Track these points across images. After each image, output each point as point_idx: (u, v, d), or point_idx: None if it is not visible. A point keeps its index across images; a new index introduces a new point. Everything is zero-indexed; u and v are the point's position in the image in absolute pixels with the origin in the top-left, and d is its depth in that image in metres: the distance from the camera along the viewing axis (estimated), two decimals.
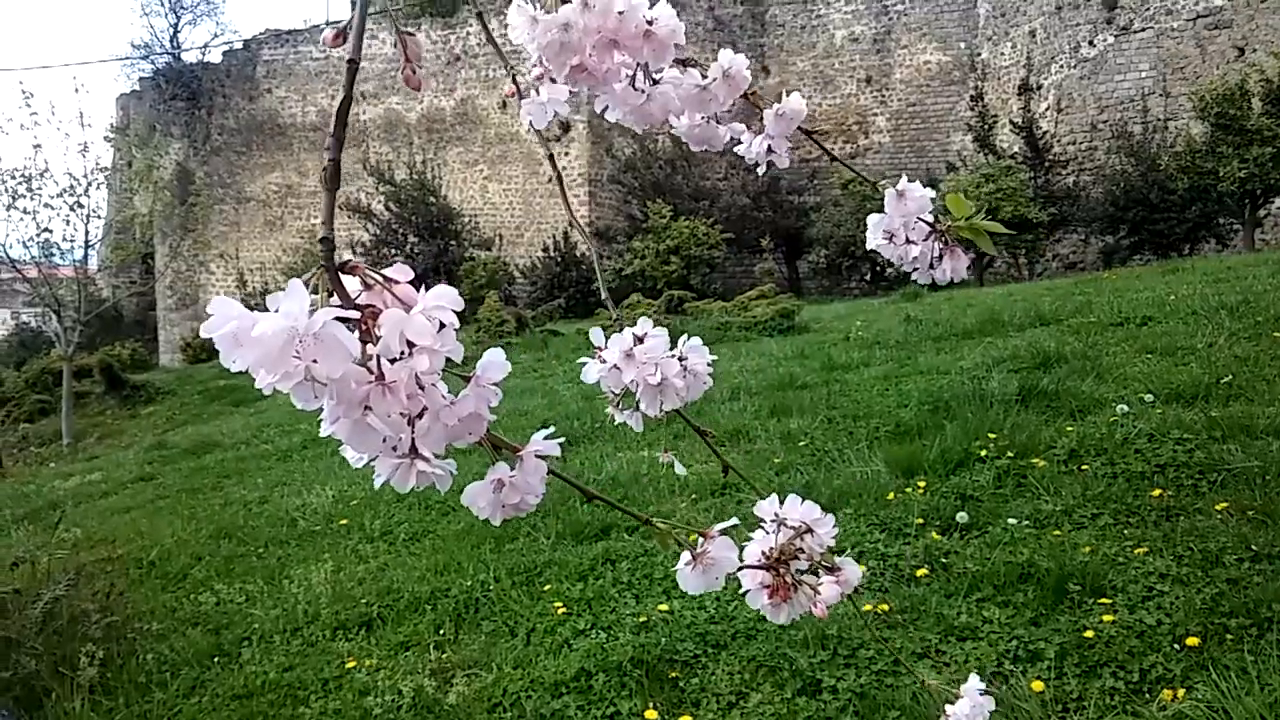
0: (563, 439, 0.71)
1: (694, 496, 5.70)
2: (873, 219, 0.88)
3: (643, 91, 0.83)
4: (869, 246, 0.91)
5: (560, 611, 4.34)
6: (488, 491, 0.68)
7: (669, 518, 4.05)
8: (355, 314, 0.54)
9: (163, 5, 33.12)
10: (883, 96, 27.01)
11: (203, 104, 30.27)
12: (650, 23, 0.79)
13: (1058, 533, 4.17)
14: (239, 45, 30.65)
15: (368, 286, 0.58)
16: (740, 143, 0.94)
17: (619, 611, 4.31)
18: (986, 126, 22.76)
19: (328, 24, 29.28)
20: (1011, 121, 22.53)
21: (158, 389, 18.63)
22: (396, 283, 0.58)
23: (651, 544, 4.97)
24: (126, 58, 33.07)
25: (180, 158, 29.15)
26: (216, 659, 4.56)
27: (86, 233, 17.48)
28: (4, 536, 8.08)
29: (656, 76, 0.83)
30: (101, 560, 6.25)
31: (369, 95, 27.99)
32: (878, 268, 22.58)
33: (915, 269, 0.90)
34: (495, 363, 0.63)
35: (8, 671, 4.22)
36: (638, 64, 0.82)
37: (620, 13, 0.78)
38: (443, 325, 0.56)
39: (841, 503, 4.94)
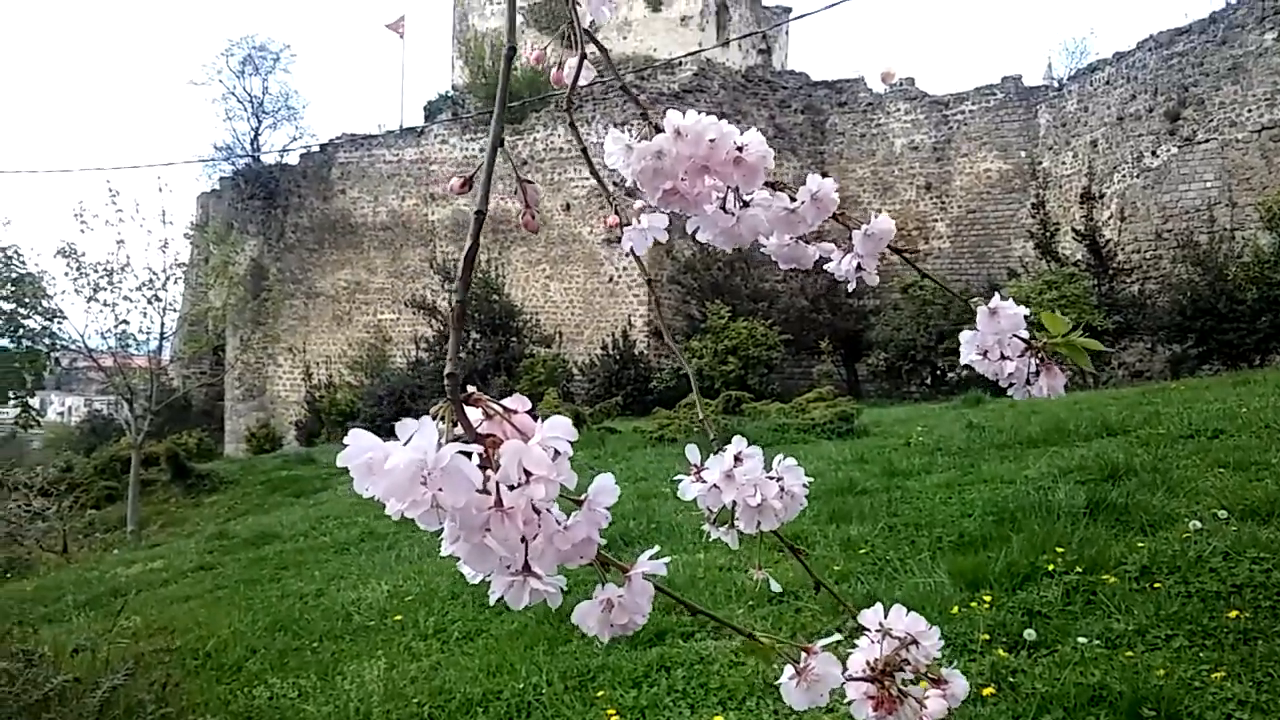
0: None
1: (750, 603, 5.60)
2: (965, 335, 0.89)
3: (733, 214, 0.86)
4: (962, 362, 0.92)
5: (614, 719, 4.26)
6: (597, 611, 0.70)
7: (725, 626, 3.96)
8: (478, 448, 0.57)
9: (245, 110, 34.60)
10: (943, 203, 27.17)
11: (279, 203, 31.42)
12: (740, 149, 0.82)
13: (1130, 654, 4.02)
14: (316, 148, 31.91)
15: (488, 416, 0.61)
16: (828, 260, 0.97)
17: None
18: (1048, 234, 22.71)
19: (401, 129, 30.46)
20: (1074, 229, 22.47)
21: (221, 478, 18.94)
22: (515, 413, 0.61)
23: (707, 651, 4.89)
24: (209, 159, 34.51)
25: (255, 254, 30.17)
26: None
27: (162, 325, 18.10)
28: (66, 622, 8.19)
29: (746, 199, 0.86)
30: (159, 650, 6.30)
31: (438, 197, 28.84)
32: (938, 372, 22.38)
33: (1010, 385, 0.90)
34: (606, 488, 0.65)
35: None
36: (728, 187, 0.85)
37: (712, 141, 0.81)
38: (557, 454, 0.59)
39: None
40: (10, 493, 18.07)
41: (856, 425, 13.19)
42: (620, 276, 26.01)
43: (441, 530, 0.59)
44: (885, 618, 0.89)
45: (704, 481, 0.91)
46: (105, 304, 17.46)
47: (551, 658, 5.19)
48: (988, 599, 4.85)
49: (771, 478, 0.91)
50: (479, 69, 30.46)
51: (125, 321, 17.69)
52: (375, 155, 30.07)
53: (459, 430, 0.60)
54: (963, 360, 0.91)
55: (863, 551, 6.17)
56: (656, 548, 0.78)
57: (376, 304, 29.76)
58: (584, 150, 0.92)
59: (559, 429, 0.60)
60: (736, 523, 0.91)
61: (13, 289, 30.33)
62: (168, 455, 19.28)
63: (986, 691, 3.90)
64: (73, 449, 30.61)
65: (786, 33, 32.83)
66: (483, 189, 0.71)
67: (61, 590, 10.12)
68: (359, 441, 0.56)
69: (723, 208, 0.86)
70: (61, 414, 51.65)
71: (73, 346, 22.07)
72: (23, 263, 28.71)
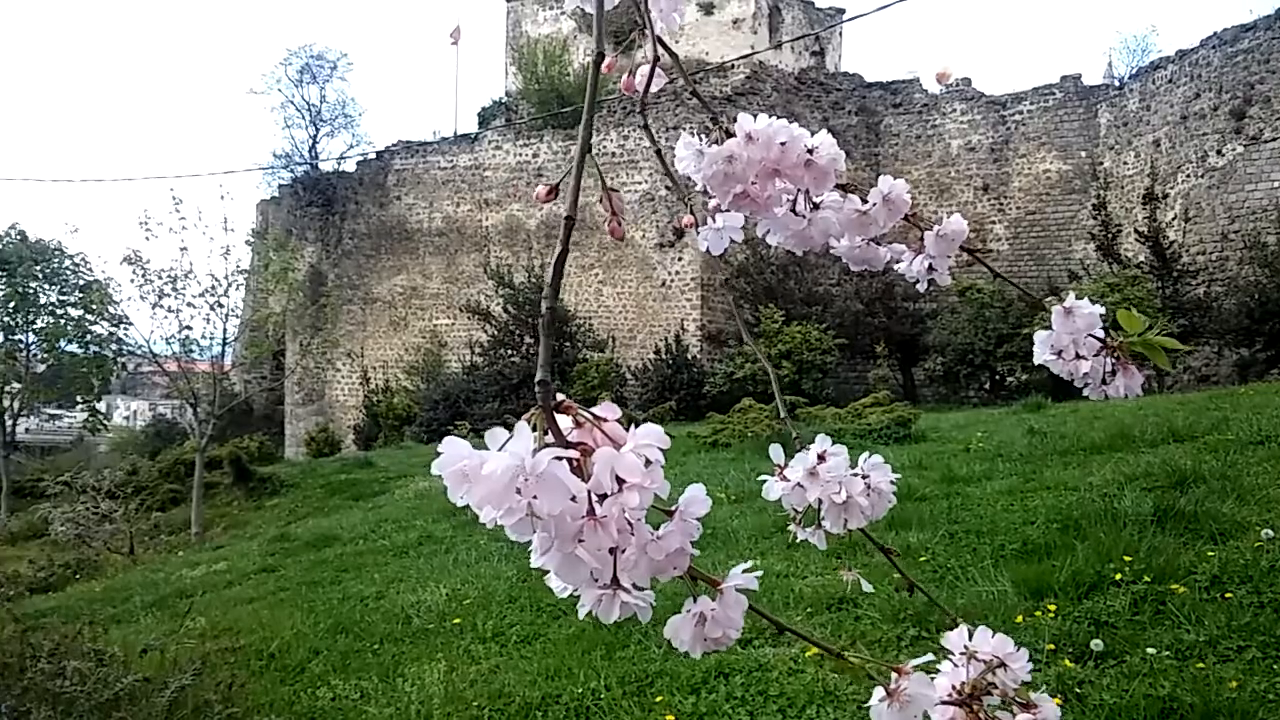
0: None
1: (809, 610, 5.57)
2: (1040, 335, 0.88)
3: (804, 217, 0.86)
4: (1036, 361, 0.90)
5: None
6: (690, 625, 0.69)
7: (783, 633, 3.95)
8: (575, 453, 0.57)
9: (304, 118, 35.19)
10: (1000, 204, 26.78)
11: (336, 210, 31.90)
12: (811, 152, 0.82)
13: (1201, 665, 3.92)
14: (373, 156, 32.36)
15: (579, 424, 0.61)
16: (899, 261, 0.96)
17: None
18: (1110, 235, 22.27)
19: (456, 136, 30.76)
20: (1136, 231, 22.01)
21: (282, 481, 19.25)
22: (606, 420, 0.60)
23: (766, 658, 4.86)
24: (268, 167, 35.14)
25: (313, 260, 30.67)
26: None
27: (225, 331, 18.42)
28: (134, 622, 8.39)
29: (817, 201, 0.86)
30: (225, 650, 6.43)
31: (492, 202, 29.09)
32: (997, 376, 22.05)
33: (1086, 385, 0.89)
34: (697, 498, 0.65)
35: None
36: (799, 190, 0.85)
37: (783, 144, 0.81)
38: (649, 462, 0.58)
39: (966, 624, 4.76)
40: (79, 495, 18.54)
41: (914, 431, 13.04)
42: (672, 281, 26.01)
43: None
44: (971, 639, 0.88)
45: (788, 480, 0.91)
46: (169, 310, 17.82)
47: (609, 662, 5.20)
48: (1052, 608, 4.76)
49: (857, 474, 0.91)
50: (532, 75, 30.65)
51: (189, 327, 18.06)
52: (430, 162, 30.42)
53: (549, 438, 0.60)
54: (1036, 360, 0.90)
55: (923, 559, 6.10)
56: (750, 561, 0.78)
57: (432, 309, 30.09)
58: (658, 153, 0.92)
59: (651, 437, 0.59)
60: (823, 522, 0.90)
61: (80, 295, 31.25)
62: (230, 459, 19.64)
63: (1054, 702, 3.83)
64: (138, 452, 31.32)
65: (840, 34, 32.61)
66: (571, 195, 0.72)
67: (129, 591, 10.37)
68: (452, 449, 0.56)
69: (793, 210, 0.86)
70: (127, 418, 52.86)
71: (138, 352, 22.57)
72: (90, 270, 29.63)
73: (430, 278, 30.23)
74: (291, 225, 31.26)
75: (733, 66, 27.23)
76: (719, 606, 0.69)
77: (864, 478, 0.90)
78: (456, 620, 6.50)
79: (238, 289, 19.74)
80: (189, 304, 17.89)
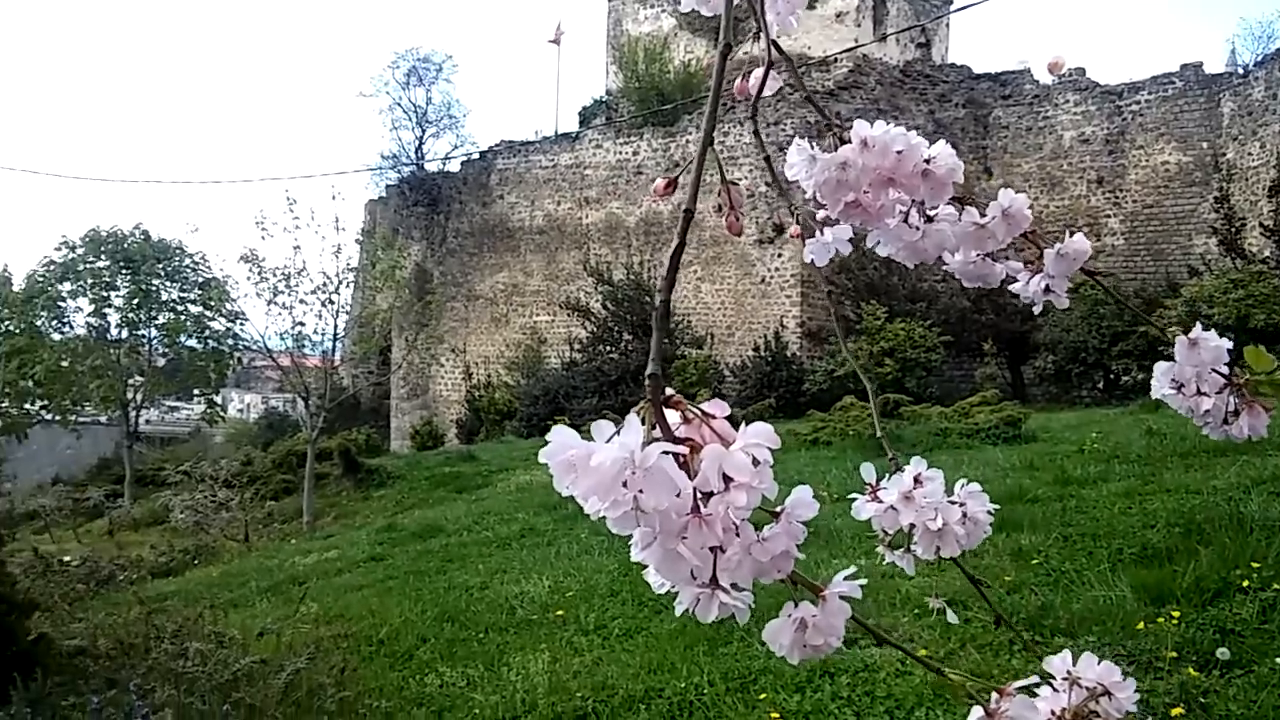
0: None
1: (916, 611, 5.46)
2: (1160, 367, 0.83)
3: (918, 229, 0.83)
4: (1153, 395, 0.85)
5: None
6: (789, 630, 0.68)
7: (890, 633, 3.89)
8: (684, 449, 0.56)
9: (410, 120, 35.97)
10: (1116, 198, 25.82)
11: (441, 209, 32.56)
12: (929, 161, 0.79)
13: None
14: (476, 155, 32.90)
15: (687, 420, 0.60)
16: (1015, 280, 0.93)
17: None
18: (1233, 229, 21.27)
19: (557, 135, 31.09)
20: (1261, 224, 20.97)
21: (389, 473, 19.73)
22: (714, 418, 0.59)
23: (872, 658, 4.78)
24: (376, 168, 35.99)
25: (419, 258, 31.35)
26: None
27: (335, 327, 18.96)
28: (250, 607, 8.70)
29: (931, 213, 0.83)
30: (336, 636, 6.62)
31: (591, 200, 29.30)
32: (1111, 375, 21.29)
33: (1206, 424, 0.83)
34: (805, 500, 0.64)
35: None
36: (913, 201, 0.82)
37: (899, 152, 0.79)
38: (757, 462, 0.57)
39: (1083, 629, 4.60)
40: (197, 484, 19.33)
41: (1024, 430, 12.68)
42: (772, 277, 25.80)
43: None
44: (1074, 665, 0.84)
45: (880, 502, 0.88)
46: (283, 306, 18.43)
47: (712, 658, 5.19)
48: (1175, 614, 4.57)
49: (953, 501, 0.87)
50: (632, 73, 30.75)
51: (301, 323, 18.65)
52: (532, 161, 30.79)
53: (657, 432, 0.59)
54: (1155, 394, 0.85)
55: (1035, 562, 5.93)
56: (853, 568, 0.76)
57: (532, 306, 30.46)
58: (767, 159, 0.90)
59: (761, 436, 0.58)
60: (914, 547, 0.88)
61: (200, 293, 32.58)
62: (340, 450, 20.21)
63: (1175, 712, 3.68)
64: (251, 444, 32.47)
65: (947, 25, 31.86)
66: (692, 188, 0.71)
67: (245, 577, 10.76)
68: (561, 439, 0.56)
69: (906, 222, 0.84)
70: (241, 410, 54.85)
71: (253, 346, 23.40)
72: (209, 268, 30.86)
73: (531, 275, 30.61)
74: (398, 224, 32.00)
75: (835, 60, 26.86)
76: (820, 614, 0.68)
77: (960, 505, 0.86)
78: (559, 612, 6.57)
79: (347, 286, 20.30)
80: (301, 301, 18.48)
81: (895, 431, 13.39)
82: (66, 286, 32.38)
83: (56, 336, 32.58)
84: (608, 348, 26.30)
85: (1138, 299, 18.70)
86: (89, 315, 32.64)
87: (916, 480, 0.86)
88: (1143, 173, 25.50)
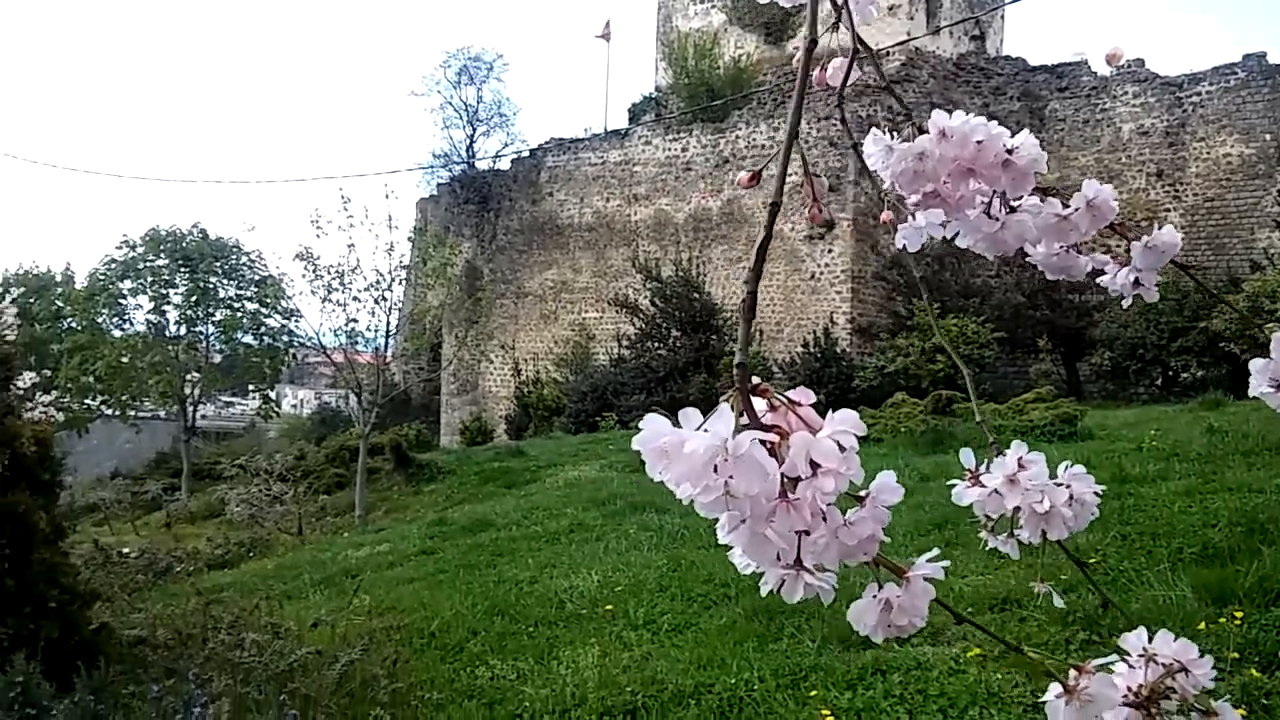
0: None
1: (970, 610, 5.38)
2: (1257, 364, 0.81)
3: (998, 219, 0.82)
4: (1252, 393, 0.83)
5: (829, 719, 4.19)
6: (875, 610, 0.68)
7: (942, 632, 3.83)
8: (774, 436, 0.57)
9: (461, 118, 36.24)
10: (1176, 191, 25.26)
11: (491, 207, 32.78)
12: (1010, 151, 0.78)
13: None
14: (526, 153, 33.07)
15: (773, 408, 0.60)
16: (1102, 273, 0.90)
17: None
18: None
19: (606, 132, 31.14)
20: None
21: (439, 468, 19.91)
22: (800, 405, 0.60)
23: (925, 657, 4.73)
24: (428, 166, 36.33)
25: (469, 256, 31.57)
26: None
27: (388, 323, 19.14)
28: (304, 599, 8.83)
29: (1013, 204, 0.81)
30: (389, 628, 6.69)
31: (640, 197, 29.29)
32: (1170, 372, 20.84)
33: None
34: (889, 485, 0.65)
35: None
36: (994, 191, 0.81)
37: (979, 142, 0.78)
38: (843, 448, 0.58)
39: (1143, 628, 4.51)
40: (252, 478, 19.66)
41: (1080, 428, 12.45)
42: (822, 273, 25.61)
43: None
44: (1150, 642, 0.83)
45: (983, 486, 0.87)
46: (337, 303, 18.63)
47: (762, 655, 5.16)
48: (1237, 615, 4.47)
49: (1060, 484, 0.86)
50: (682, 69, 30.70)
51: (354, 320, 18.84)
52: (581, 158, 30.87)
53: (744, 419, 0.60)
54: (1252, 391, 0.82)
55: (1092, 560, 5.82)
56: (935, 550, 0.75)
57: (581, 303, 30.56)
58: (854, 147, 0.89)
59: (848, 423, 0.59)
60: (1018, 531, 0.86)
61: (256, 290, 33.13)
62: (392, 445, 20.42)
63: (1239, 713, 3.59)
64: (304, 438, 32.97)
65: (1002, 17, 31.40)
66: (778, 180, 0.71)
67: (299, 569, 10.91)
68: (653, 427, 0.57)
69: (987, 213, 0.82)
70: (294, 406, 55.58)
71: (308, 343, 23.70)
72: (265, 265, 31.35)
73: (580, 272, 30.70)
74: (449, 222, 32.26)
75: (888, 54, 26.60)
76: (905, 594, 0.68)
77: (1066, 487, 0.85)
78: (608, 606, 6.58)
79: (400, 284, 20.49)
80: (355, 298, 18.67)
81: (948, 428, 13.23)
82: (127, 284, 33.14)
83: (117, 333, 33.35)
84: (656, 344, 26.29)
85: (1198, 294, 18.27)
86: (149, 312, 33.39)
87: (1020, 464, 0.86)
88: (1204, 165, 24.92)
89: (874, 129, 0.81)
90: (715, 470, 0.55)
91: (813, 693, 4.53)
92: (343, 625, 6.44)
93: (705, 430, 0.56)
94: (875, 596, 0.68)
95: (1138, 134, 25.74)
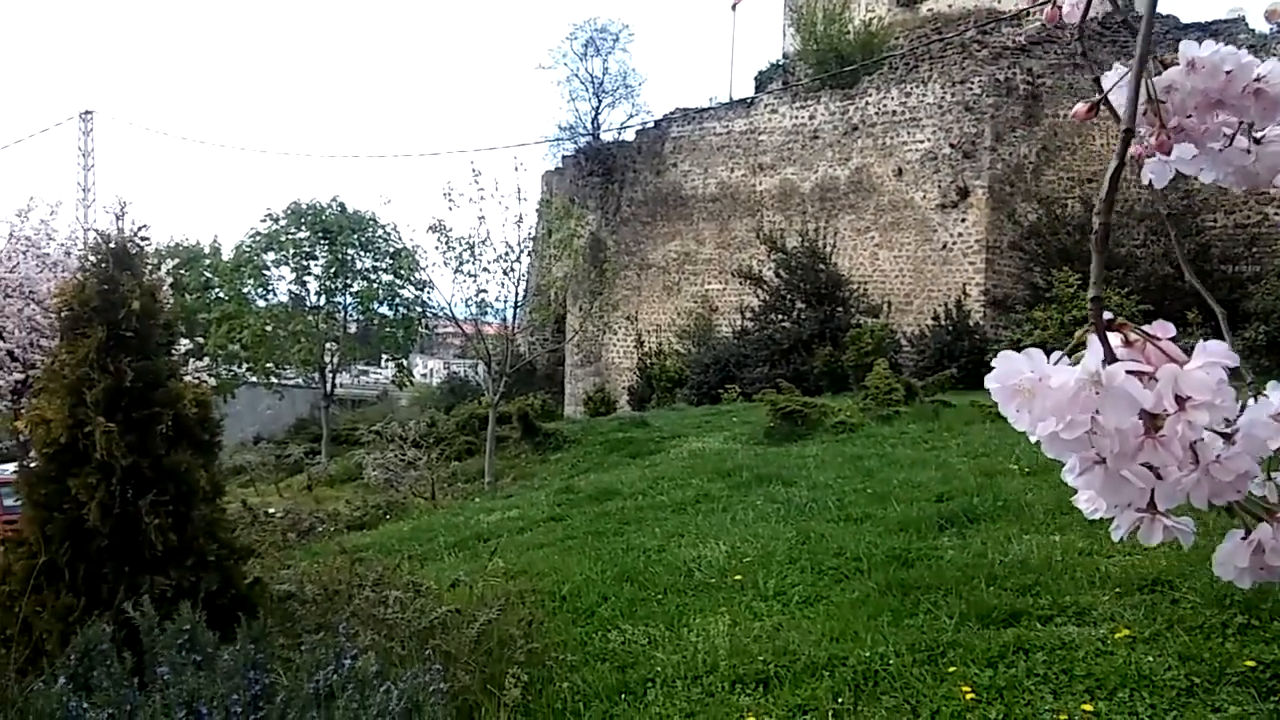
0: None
1: (1118, 590, 5.18)
2: None
3: (1248, 151, 0.77)
4: None
5: (968, 697, 4.10)
6: (1245, 552, 0.65)
7: (1088, 612, 3.69)
8: (1148, 368, 0.54)
9: (587, 91, 36.45)
10: None
11: (615, 178, 32.94)
12: (1259, 80, 0.73)
13: None
14: (651, 124, 33.06)
15: (1129, 344, 0.57)
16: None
17: (1035, 705, 4.00)
18: None
19: (731, 101, 30.84)
20: None
21: (564, 438, 20.22)
22: (1159, 339, 0.56)
23: (1070, 636, 4.58)
24: (554, 139, 36.71)
25: (594, 228, 31.83)
26: (624, 695, 4.79)
27: (516, 295, 19.47)
28: (440, 560, 9.09)
29: (1258, 136, 0.77)
30: (522, 591, 6.83)
31: (765, 166, 28.97)
32: None
33: None
34: (1259, 420, 0.60)
35: (445, 684, 4.67)
36: (1240, 123, 0.76)
37: (1228, 72, 0.73)
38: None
39: None
40: (388, 444, 20.34)
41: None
42: (954, 244, 24.88)
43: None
44: None
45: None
46: (468, 275, 19.01)
47: (897, 629, 5.08)
48: None
49: None
50: (810, 35, 30.12)
51: (484, 291, 19.20)
52: (705, 128, 30.69)
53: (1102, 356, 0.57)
54: None
55: None
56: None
57: (704, 274, 30.48)
58: (1096, 80, 0.85)
59: (1218, 354, 0.55)
60: (1274, 474, 0.81)
61: (391, 262, 34.16)
62: (519, 414, 20.82)
63: None
64: (434, 407, 33.94)
65: None
66: (1129, 105, 0.67)
67: (433, 532, 11.25)
68: (1010, 363, 0.55)
69: (1233, 144, 0.77)
70: (424, 375, 57.24)
71: (440, 314, 24.32)
72: (399, 238, 32.27)
73: (703, 243, 30.61)
74: (574, 194, 32.56)
75: (1027, 14, 25.54)
76: (1277, 536, 0.64)
77: None
78: (737, 577, 6.58)
79: (527, 256, 20.78)
80: (485, 269, 19.03)
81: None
82: (270, 256, 34.63)
83: (261, 303, 34.90)
84: (780, 316, 26.05)
85: None
86: (291, 283, 34.86)
87: None
88: None
89: (1117, 64, 0.77)
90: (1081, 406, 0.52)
91: (951, 669, 4.43)
92: (479, 586, 6.61)
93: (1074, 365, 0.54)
94: (1246, 539, 0.65)
95: None
